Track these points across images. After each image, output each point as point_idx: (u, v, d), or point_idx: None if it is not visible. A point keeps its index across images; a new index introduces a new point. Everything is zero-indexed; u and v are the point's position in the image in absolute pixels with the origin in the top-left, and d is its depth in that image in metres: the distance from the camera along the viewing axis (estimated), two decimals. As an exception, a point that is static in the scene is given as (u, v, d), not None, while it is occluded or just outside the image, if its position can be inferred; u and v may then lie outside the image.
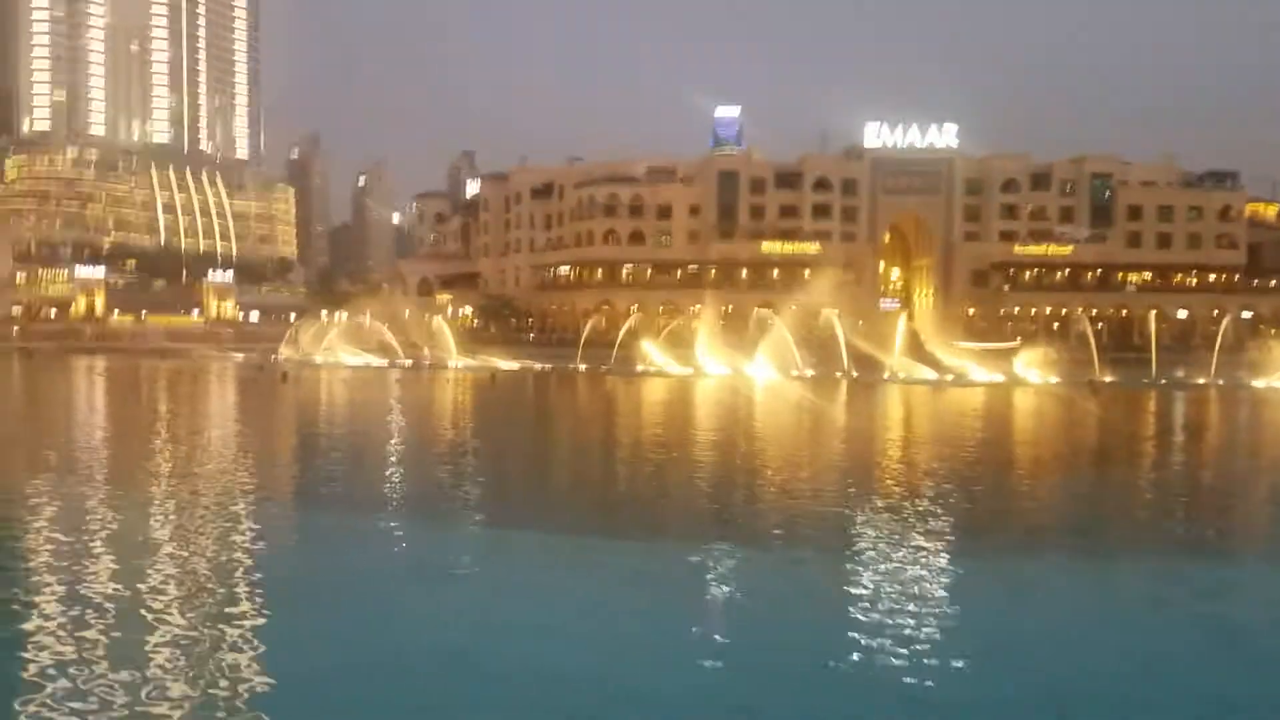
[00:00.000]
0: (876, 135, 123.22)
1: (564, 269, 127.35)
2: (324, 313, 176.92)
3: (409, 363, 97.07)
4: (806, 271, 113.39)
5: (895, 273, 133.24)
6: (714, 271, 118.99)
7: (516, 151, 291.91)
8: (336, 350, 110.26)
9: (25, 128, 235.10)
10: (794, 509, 24.48)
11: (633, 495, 27.56)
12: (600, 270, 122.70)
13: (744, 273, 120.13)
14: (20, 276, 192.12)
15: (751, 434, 43.11)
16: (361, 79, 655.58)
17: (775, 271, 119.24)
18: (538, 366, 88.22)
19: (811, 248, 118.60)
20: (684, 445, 38.20)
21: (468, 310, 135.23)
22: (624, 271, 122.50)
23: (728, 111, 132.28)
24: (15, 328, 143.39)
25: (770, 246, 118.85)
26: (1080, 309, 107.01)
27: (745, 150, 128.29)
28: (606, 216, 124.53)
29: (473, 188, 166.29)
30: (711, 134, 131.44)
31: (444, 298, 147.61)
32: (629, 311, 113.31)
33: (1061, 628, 15.57)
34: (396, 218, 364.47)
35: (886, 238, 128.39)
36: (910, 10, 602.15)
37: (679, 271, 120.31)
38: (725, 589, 17.57)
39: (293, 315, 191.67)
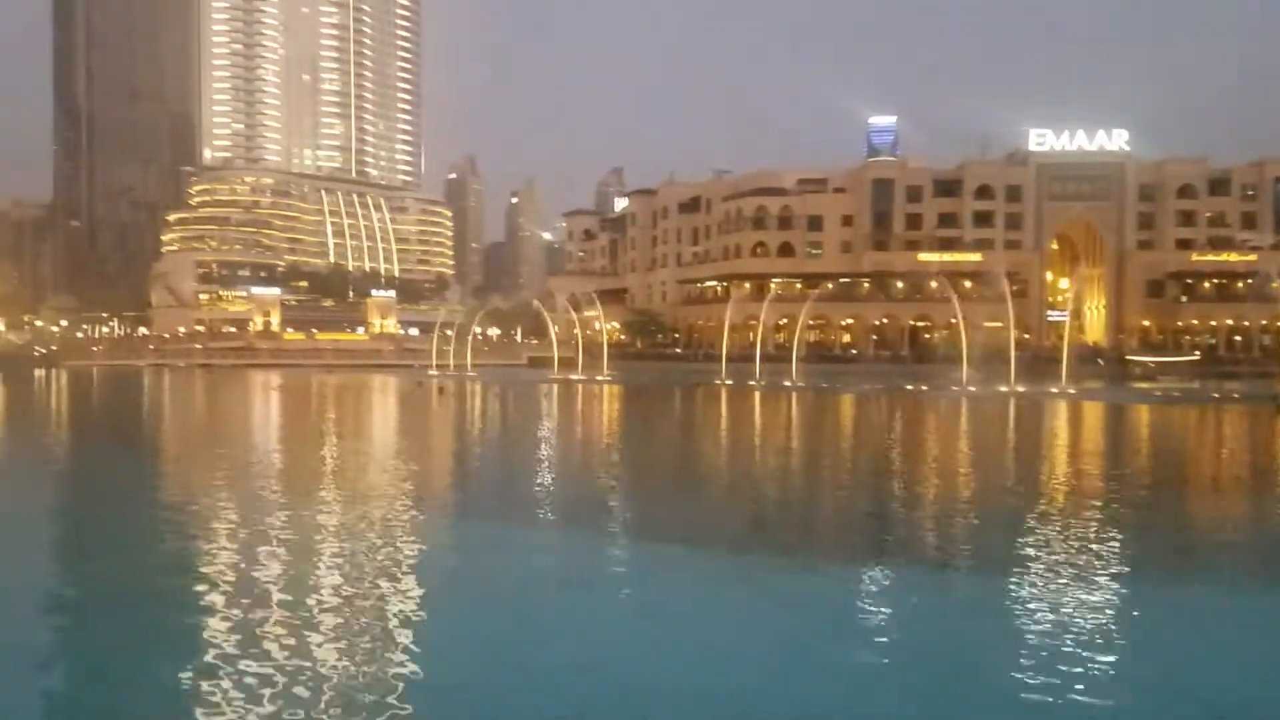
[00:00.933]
0: (1041, 140, 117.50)
1: (710, 283, 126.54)
2: (478, 328, 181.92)
3: (560, 376, 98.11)
4: (967, 282, 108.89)
5: (1064, 283, 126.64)
6: (867, 283, 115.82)
7: (665, 167, 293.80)
8: (490, 364, 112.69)
9: (207, 157, 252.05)
10: (967, 529, 22.68)
11: (789, 511, 26.27)
12: (748, 284, 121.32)
13: (899, 284, 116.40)
14: (203, 297, 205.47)
15: (910, 449, 40.93)
16: (516, 101, 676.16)
17: (933, 282, 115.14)
18: (682, 379, 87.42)
19: (973, 257, 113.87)
20: (842, 460, 36.61)
21: (615, 325, 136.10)
22: (772, 285, 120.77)
23: (883, 119, 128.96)
24: (198, 344, 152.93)
25: (928, 256, 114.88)
26: (1264, 320, 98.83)
27: (901, 158, 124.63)
28: (755, 229, 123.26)
29: (620, 204, 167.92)
30: (865, 142, 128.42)
31: (591, 313, 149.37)
32: (778, 325, 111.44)
33: (1252, 663, 13.61)
34: (547, 235, 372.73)
35: (1054, 246, 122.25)
36: (1071, 13, 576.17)
37: (830, 284, 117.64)
38: (887, 610, 16.17)
39: (449, 331, 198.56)
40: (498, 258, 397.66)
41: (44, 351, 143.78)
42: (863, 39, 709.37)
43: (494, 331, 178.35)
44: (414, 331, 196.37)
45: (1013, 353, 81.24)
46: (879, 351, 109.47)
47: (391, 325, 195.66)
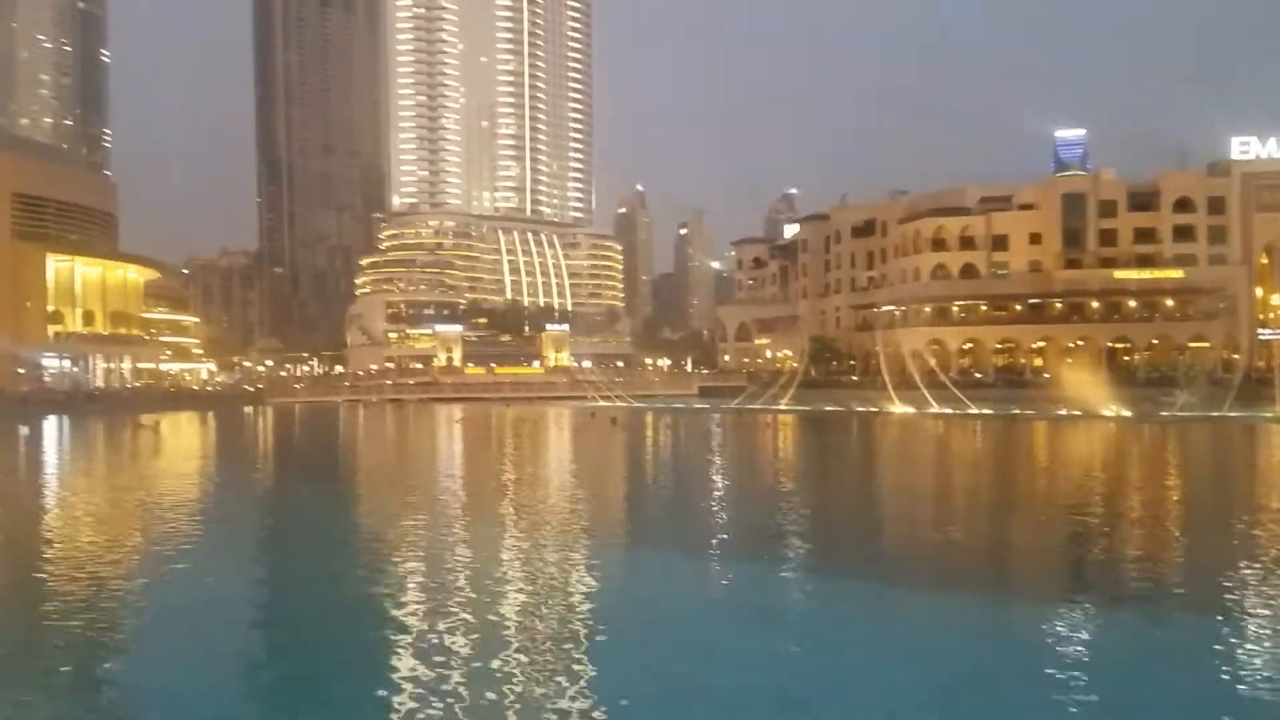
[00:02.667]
0: (1245, 148, 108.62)
1: (888, 308, 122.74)
2: (649, 359, 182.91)
3: (731, 405, 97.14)
4: (1169, 300, 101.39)
5: (1277, 298, 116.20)
6: (1059, 304, 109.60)
7: (836, 191, 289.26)
8: (661, 394, 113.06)
9: (395, 203, 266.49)
10: (1171, 564, 20.50)
11: (977, 546, 24.48)
12: (929, 308, 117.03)
13: (1094, 304, 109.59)
14: (392, 335, 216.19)
15: (1116, 481, 37.77)
16: (684, 134, 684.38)
17: (1131, 301, 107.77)
18: (858, 408, 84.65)
19: (1174, 274, 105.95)
20: (1034, 493, 34.21)
21: (787, 353, 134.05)
22: (955, 308, 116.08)
23: (1070, 132, 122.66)
24: (388, 380, 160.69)
25: (1125, 274, 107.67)
26: None
27: (1092, 171, 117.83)
28: (934, 250, 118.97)
29: (791, 230, 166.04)
30: (1052, 157, 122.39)
31: (762, 341, 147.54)
32: (962, 350, 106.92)
33: None
34: (716, 265, 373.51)
35: (1263, 259, 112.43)
36: (1268, 15, 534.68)
37: (1018, 305, 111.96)
38: (1082, 650, 14.61)
39: (620, 363, 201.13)
40: (667, 289, 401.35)
41: (251, 390, 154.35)
42: (1042, 48, 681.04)
43: (664, 362, 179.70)
44: (587, 364, 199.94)
45: (1222, 374, 74.73)
46: (1073, 375, 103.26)
47: (565, 358, 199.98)
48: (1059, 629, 15.88)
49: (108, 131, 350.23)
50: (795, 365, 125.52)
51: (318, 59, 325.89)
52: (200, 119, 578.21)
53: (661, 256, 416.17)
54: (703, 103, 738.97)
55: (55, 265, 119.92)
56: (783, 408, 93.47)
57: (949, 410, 79.78)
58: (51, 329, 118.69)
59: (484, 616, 16.79)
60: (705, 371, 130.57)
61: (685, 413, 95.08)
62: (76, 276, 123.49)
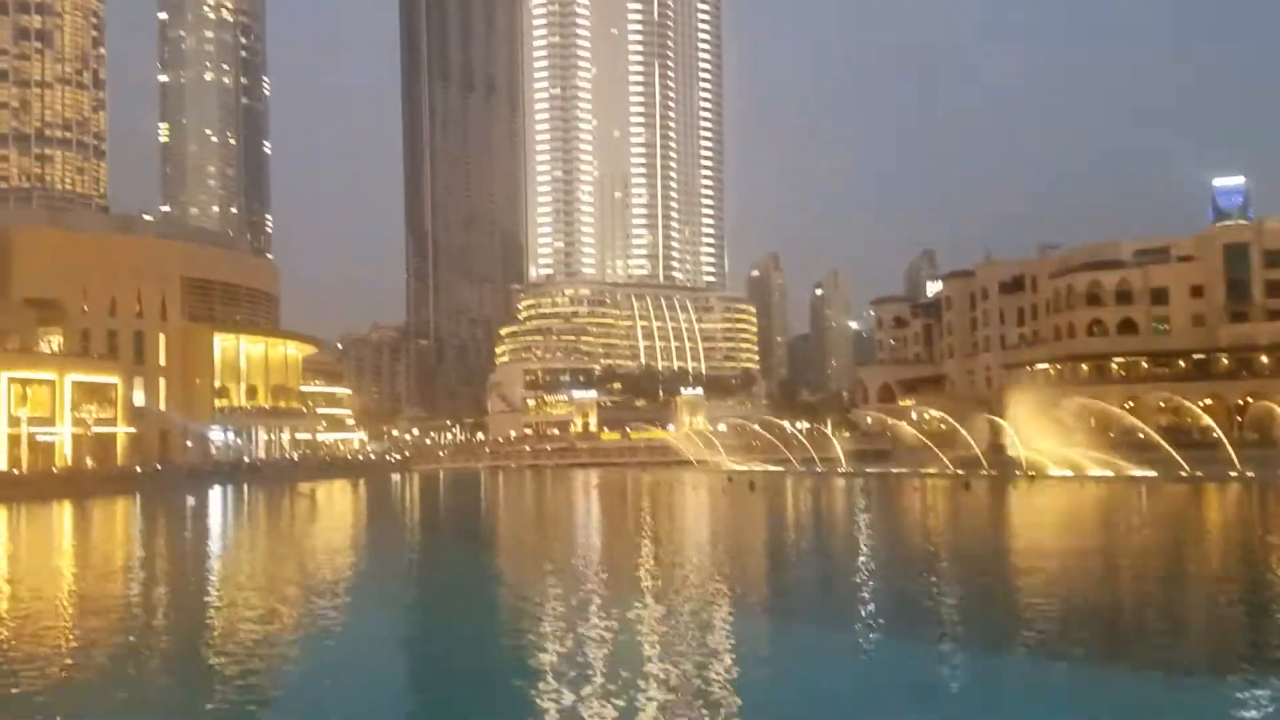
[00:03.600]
0: None
1: (1042, 366, 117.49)
2: (786, 422, 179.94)
3: (877, 469, 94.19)
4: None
5: None
6: (1226, 359, 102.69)
7: (978, 246, 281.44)
8: (800, 458, 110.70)
9: (533, 274, 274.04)
10: None
11: (1141, 617, 22.49)
12: (1085, 365, 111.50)
13: (1264, 358, 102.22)
14: (530, 402, 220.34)
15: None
16: (816, 195, 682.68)
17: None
18: (1016, 471, 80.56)
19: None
20: (1200, 559, 31.46)
21: (933, 415, 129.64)
22: (1114, 365, 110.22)
23: (1229, 180, 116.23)
24: (527, 446, 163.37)
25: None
26: None
27: (1255, 220, 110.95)
28: (1089, 306, 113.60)
29: (933, 288, 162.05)
30: (1210, 206, 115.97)
31: (907, 403, 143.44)
32: (1122, 408, 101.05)
33: None
34: (854, 325, 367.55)
35: None
36: None
37: (1182, 361, 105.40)
38: None
39: (757, 426, 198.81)
40: (803, 350, 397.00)
41: (399, 458, 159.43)
42: (1194, 94, 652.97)
43: (803, 425, 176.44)
44: (723, 427, 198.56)
45: None
46: (1245, 435, 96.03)
47: (701, 422, 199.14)
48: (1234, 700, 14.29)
49: (269, 217, 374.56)
50: (944, 428, 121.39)
51: (461, 140, 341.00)
52: (353, 202, 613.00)
53: (797, 318, 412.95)
54: (836, 163, 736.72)
55: (222, 343, 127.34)
56: (932, 471, 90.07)
57: (1109, 473, 75.15)
58: (218, 403, 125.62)
59: (625, 689, 16.31)
60: (847, 434, 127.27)
61: (826, 477, 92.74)
62: (241, 353, 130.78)
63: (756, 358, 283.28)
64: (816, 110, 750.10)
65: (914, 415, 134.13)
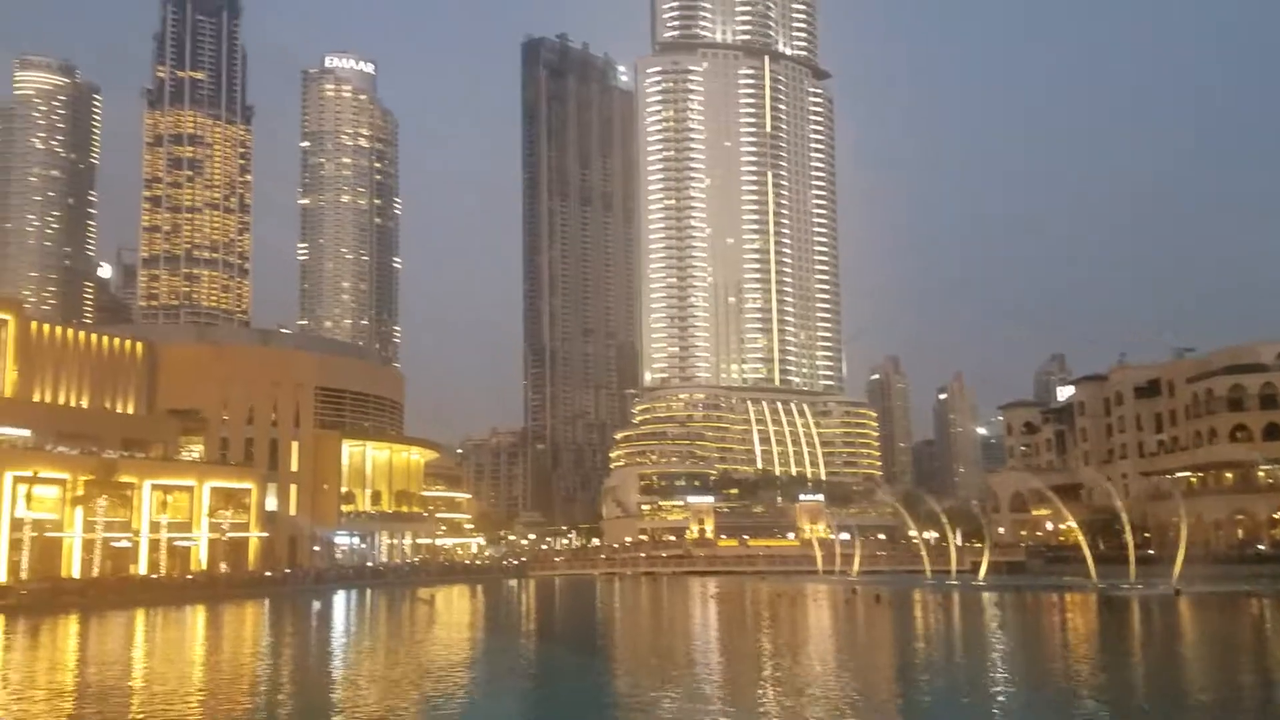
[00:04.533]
0: None
1: (1182, 474, 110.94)
2: (912, 531, 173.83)
3: (1008, 581, 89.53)
4: None
5: None
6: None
7: (1111, 350, 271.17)
8: (927, 569, 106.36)
9: (647, 379, 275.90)
10: None
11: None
12: (1229, 473, 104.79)
13: None
14: (645, 507, 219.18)
15: None
16: (937, 297, 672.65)
17: None
18: (1160, 587, 75.25)
19: None
20: None
21: (1069, 525, 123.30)
22: (1261, 473, 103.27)
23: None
24: (642, 553, 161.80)
25: None
26: None
27: None
28: (1231, 411, 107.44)
29: (1065, 392, 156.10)
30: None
31: (1041, 512, 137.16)
32: (1271, 520, 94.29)
33: None
34: (982, 430, 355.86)
35: None
36: None
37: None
38: None
39: (881, 535, 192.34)
40: (928, 457, 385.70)
41: (515, 563, 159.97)
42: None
43: (930, 534, 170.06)
44: (844, 536, 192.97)
45: None
46: None
47: (821, 530, 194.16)
48: None
49: (397, 328, 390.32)
50: (1082, 538, 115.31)
51: (578, 253, 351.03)
52: (475, 312, 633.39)
53: (920, 423, 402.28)
54: (956, 263, 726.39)
55: (350, 449, 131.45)
56: (1070, 584, 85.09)
57: (1260, 588, 69.53)
58: (344, 509, 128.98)
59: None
60: (977, 544, 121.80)
61: (958, 589, 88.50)
62: (367, 459, 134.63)
63: (879, 464, 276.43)
64: (935, 209, 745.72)
65: (1049, 525, 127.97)
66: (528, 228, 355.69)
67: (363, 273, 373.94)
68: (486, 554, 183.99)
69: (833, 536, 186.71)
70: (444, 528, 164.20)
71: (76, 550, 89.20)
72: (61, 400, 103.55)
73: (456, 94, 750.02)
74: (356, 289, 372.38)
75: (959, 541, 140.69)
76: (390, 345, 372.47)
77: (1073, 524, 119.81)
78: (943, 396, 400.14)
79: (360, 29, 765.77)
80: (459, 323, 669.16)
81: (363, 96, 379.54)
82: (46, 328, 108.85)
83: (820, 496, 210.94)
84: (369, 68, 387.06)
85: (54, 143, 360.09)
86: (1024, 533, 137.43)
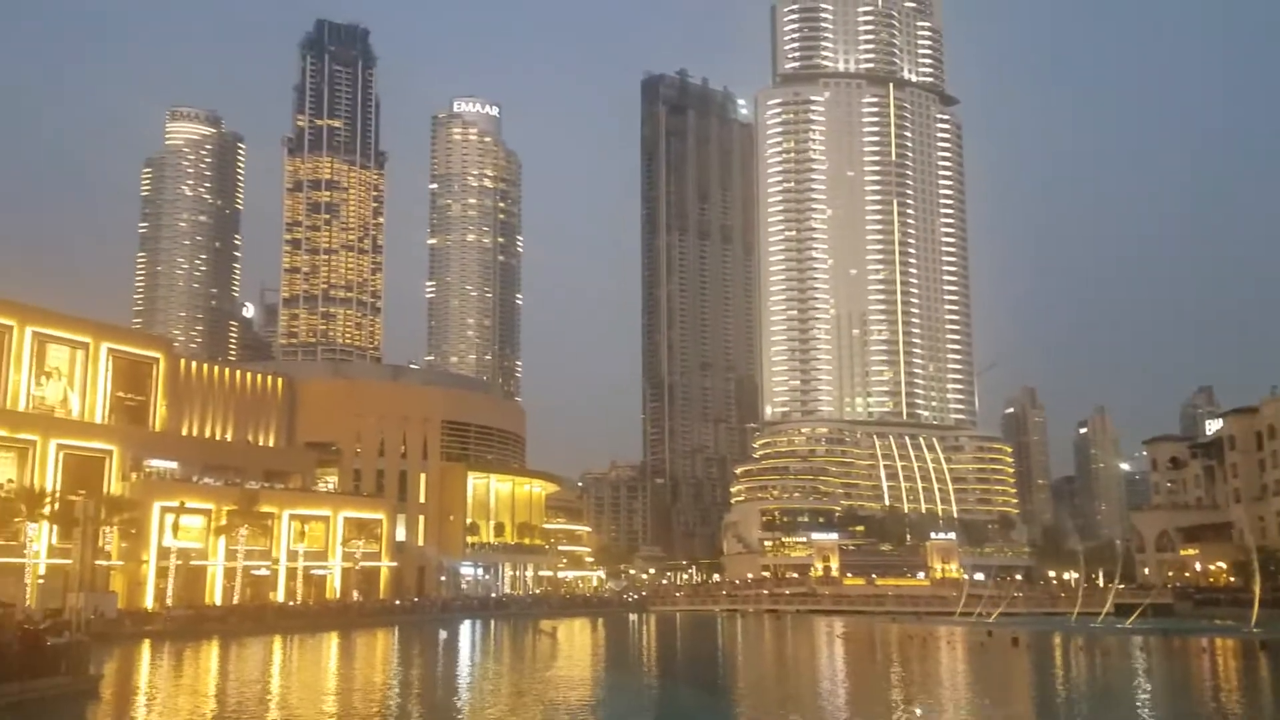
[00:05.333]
0: None
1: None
2: (1051, 572, 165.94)
3: (1152, 625, 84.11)
4: None
5: None
6: None
7: (1263, 381, 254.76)
8: (1067, 612, 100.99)
9: (768, 413, 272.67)
10: None
11: None
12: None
13: None
14: (767, 543, 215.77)
15: None
16: (1077, 329, 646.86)
17: None
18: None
19: None
20: None
21: (1220, 566, 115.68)
22: None
23: None
24: (765, 590, 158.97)
25: None
26: None
27: None
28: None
29: (1213, 426, 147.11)
30: None
31: (1189, 552, 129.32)
32: None
33: None
34: (1125, 466, 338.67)
35: None
36: None
37: None
38: None
39: (1018, 575, 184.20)
40: (1067, 493, 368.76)
41: (635, 597, 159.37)
42: None
43: (1070, 575, 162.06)
44: (979, 576, 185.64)
45: None
46: None
47: (954, 569, 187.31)
48: None
49: (519, 362, 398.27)
50: (1233, 580, 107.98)
51: (696, 285, 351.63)
52: (594, 347, 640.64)
53: (1059, 458, 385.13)
54: (1095, 292, 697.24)
55: (474, 482, 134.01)
56: (1217, 628, 79.43)
57: None
58: (469, 540, 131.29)
59: None
60: (1121, 586, 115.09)
61: (1100, 633, 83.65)
62: (491, 492, 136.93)
63: (1014, 500, 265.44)
64: (1071, 236, 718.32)
65: (1198, 566, 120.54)
66: (646, 262, 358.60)
67: (486, 309, 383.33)
68: (607, 587, 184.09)
69: (965, 577, 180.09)
70: (565, 560, 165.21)
71: (219, 578, 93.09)
72: (208, 434, 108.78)
73: (576, 132, 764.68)
74: (480, 325, 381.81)
75: (1100, 583, 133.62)
76: (512, 380, 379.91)
77: (1222, 565, 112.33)
78: (1083, 430, 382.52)
79: (485, 72, 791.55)
80: (579, 357, 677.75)
81: (488, 138, 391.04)
82: (194, 365, 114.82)
83: (952, 535, 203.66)
84: (494, 110, 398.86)
85: (202, 189, 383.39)
86: (1170, 573, 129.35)
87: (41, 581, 74.58)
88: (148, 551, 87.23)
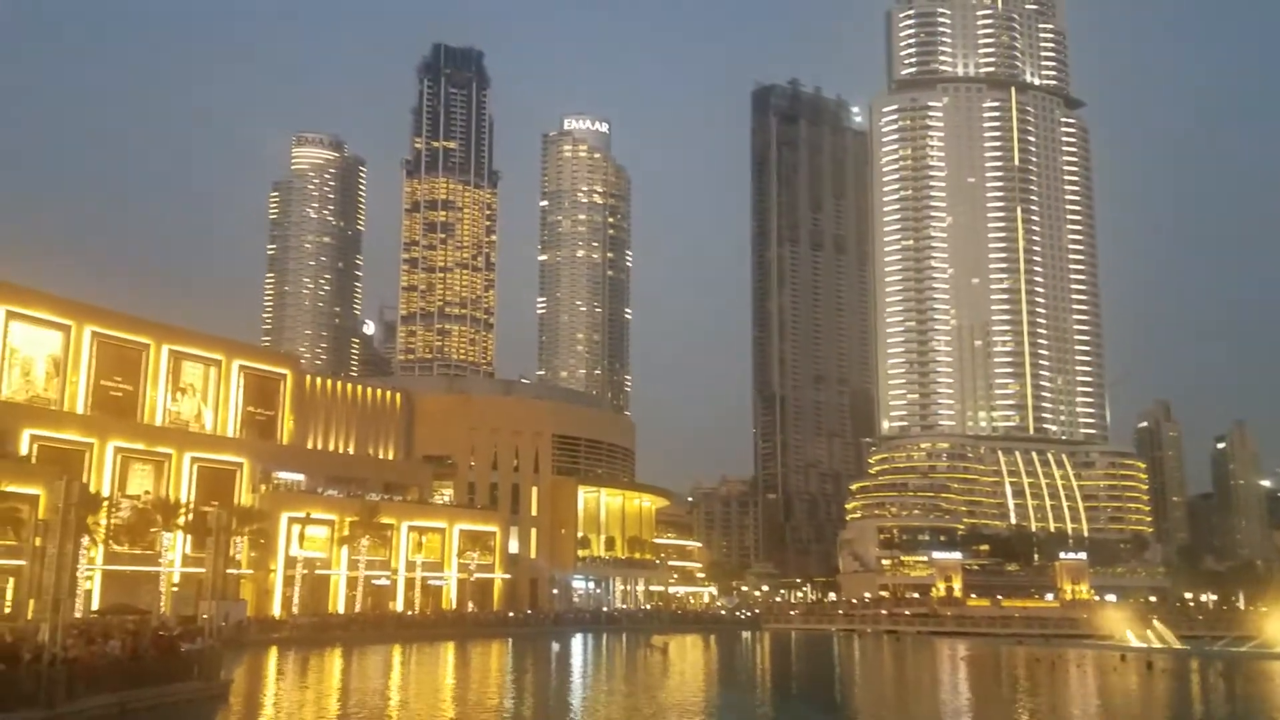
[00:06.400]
0: None
1: None
2: (1189, 593, 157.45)
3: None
4: None
5: None
6: None
7: None
8: (1206, 635, 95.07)
9: (885, 427, 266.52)
10: None
11: None
12: None
13: None
14: (885, 562, 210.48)
15: None
16: (1211, 340, 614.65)
17: None
18: None
19: None
20: None
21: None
22: None
23: None
24: (883, 610, 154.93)
25: None
26: None
27: None
28: None
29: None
30: None
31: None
32: None
33: None
34: (1266, 483, 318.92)
35: None
36: None
37: None
38: None
39: (1153, 598, 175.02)
40: (1205, 511, 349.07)
41: (748, 615, 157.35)
42: None
43: (1209, 597, 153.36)
44: (1111, 597, 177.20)
45: None
46: None
47: (1084, 591, 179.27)
48: None
49: (628, 377, 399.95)
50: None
51: (809, 297, 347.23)
52: (704, 361, 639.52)
53: (1196, 474, 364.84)
54: (1232, 303, 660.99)
55: (584, 495, 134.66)
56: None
57: None
58: (580, 553, 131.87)
59: None
60: (1265, 609, 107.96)
61: (1242, 659, 78.33)
62: (601, 505, 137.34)
63: (1148, 519, 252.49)
64: (1206, 242, 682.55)
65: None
66: (757, 274, 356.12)
67: (596, 324, 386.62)
68: (719, 604, 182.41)
69: (1098, 597, 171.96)
70: (676, 576, 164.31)
71: (341, 587, 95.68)
72: (331, 447, 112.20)
73: (686, 145, 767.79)
74: (590, 340, 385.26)
75: (1241, 604, 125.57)
76: (622, 394, 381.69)
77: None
78: (1221, 445, 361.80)
79: (595, 87, 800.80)
80: (688, 371, 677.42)
81: (597, 154, 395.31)
82: (319, 381, 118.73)
83: (1083, 554, 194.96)
84: (604, 126, 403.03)
85: (326, 212, 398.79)
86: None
87: (176, 589, 77.92)
88: (275, 560, 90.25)
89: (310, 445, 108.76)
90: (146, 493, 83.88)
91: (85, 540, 51.78)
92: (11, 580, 64.34)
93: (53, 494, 32.00)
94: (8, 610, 61.33)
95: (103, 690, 30.56)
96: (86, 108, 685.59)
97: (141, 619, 57.54)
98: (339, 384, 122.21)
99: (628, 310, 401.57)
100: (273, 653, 66.26)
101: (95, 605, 71.35)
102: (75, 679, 29.08)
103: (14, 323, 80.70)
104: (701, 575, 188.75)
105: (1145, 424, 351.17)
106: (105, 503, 75.04)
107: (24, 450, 75.30)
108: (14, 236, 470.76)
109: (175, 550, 79.75)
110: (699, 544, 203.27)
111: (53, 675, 27.48)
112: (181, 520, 79.32)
